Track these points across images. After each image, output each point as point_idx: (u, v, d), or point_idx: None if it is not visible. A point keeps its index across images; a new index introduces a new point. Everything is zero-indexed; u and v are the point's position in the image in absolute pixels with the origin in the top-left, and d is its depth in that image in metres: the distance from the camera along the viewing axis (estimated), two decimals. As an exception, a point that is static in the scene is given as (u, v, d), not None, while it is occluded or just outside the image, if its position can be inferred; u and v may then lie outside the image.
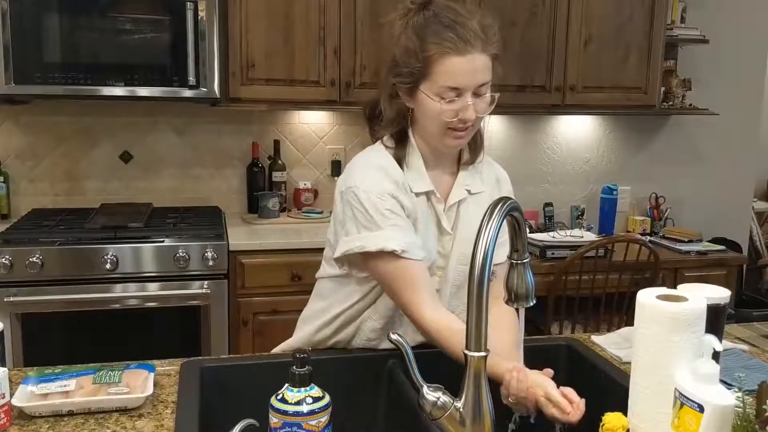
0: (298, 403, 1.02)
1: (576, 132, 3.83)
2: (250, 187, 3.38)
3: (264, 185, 3.38)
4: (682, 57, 3.78)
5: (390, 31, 1.50)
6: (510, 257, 1.30)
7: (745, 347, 1.69)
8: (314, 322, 1.64)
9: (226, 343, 2.79)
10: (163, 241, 2.72)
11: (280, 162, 3.39)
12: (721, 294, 1.33)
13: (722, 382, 1.39)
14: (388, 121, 1.52)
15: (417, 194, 1.52)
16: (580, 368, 1.59)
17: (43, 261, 2.58)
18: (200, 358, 1.53)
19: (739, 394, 1.02)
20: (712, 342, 0.95)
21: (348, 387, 1.47)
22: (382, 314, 1.56)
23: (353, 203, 1.46)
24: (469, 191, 1.58)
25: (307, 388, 1.03)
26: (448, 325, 1.41)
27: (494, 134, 3.65)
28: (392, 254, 1.42)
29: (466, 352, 1.08)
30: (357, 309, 1.58)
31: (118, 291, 2.66)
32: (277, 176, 3.38)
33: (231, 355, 1.52)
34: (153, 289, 2.69)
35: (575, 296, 3.07)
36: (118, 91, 2.80)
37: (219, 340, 2.78)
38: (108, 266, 2.62)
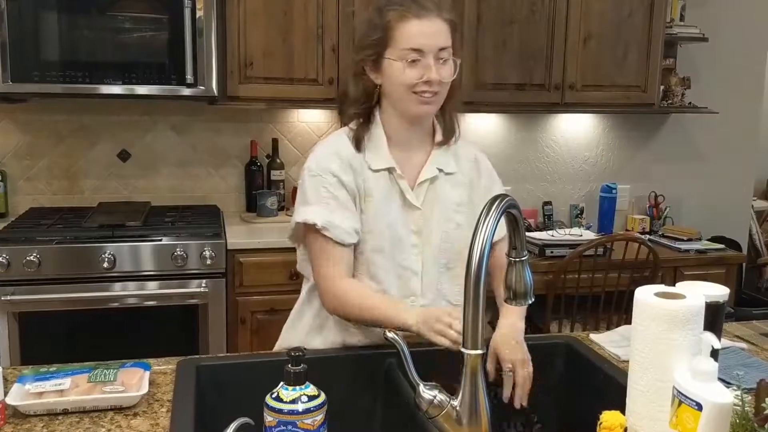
0: (293, 401, 1.01)
1: (575, 130, 3.81)
2: (248, 185, 3.38)
3: (262, 184, 3.37)
4: (682, 55, 3.76)
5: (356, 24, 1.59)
6: (508, 255, 1.29)
7: (744, 345, 1.68)
8: (294, 330, 1.69)
9: (224, 341, 2.79)
10: (161, 240, 2.72)
11: (278, 161, 3.38)
12: (719, 292, 1.33)
13: (721, 380, 1.39)
14: (354, 99, 1.59)
15: (375, 170, 1.58)
16: (579, 367, 1.58)
17: (41, 260, 2.57)
18: (197, 356, 1.52)
19: (738, 393, 1.02)
20: (711, 340, 0.94)
21: (345, 385, 1.46)
22: None
23: (301, 183, 1.58)
24: (441, 170, 1.63)
25: (303, 387, 1.02)
26: (359, 290, 1.53)
27: (493, 133, 3.64)
28: (315, 229, 1.51)
29: (463, 350, 1.08)
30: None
31: (116, 290, 2.66)
32: (275, 175, 3.37)
33: (227, 354, 1.52)
34: (151, 287, 2.68)
35: (574, 295, 3.06)
36: (116, 89, 2.79)
37: (217, 338, 2.77)
38: (106, 265, 2.61)
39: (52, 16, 2.72)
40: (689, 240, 3.49)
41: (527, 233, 3.29)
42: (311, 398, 1.02)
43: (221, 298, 2.76)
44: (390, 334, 1.10)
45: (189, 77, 2.82)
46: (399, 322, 1.41)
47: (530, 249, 3.28)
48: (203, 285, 2.71)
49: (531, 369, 1.47)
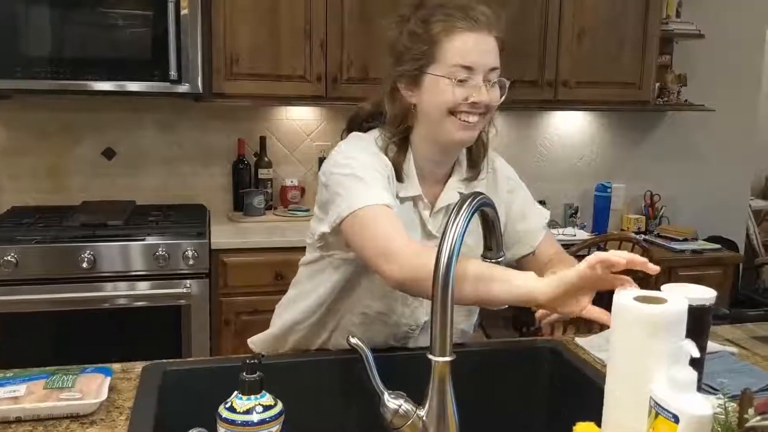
0: (247, 411, 0.95)
1: (569, 128, 3.76)
2: (235, 184, 3.32)
3: (250, 182, 3.31)
4: (678, 52, 3.72)
5: (386, 39, 1.44)
6: (483, 255, 1.24)
7: (734, 349, 1.62)
8: (290, 312, 1.58)
9: (207, 343, 2.73)
10: (143, 240, 2.66)
11: (266, 159, 3.32)
12: (706, 294, 1.27)
13: (707, 386, 1.34)
14: (393, 118, 1.43)
15: (402, 199, 1.44)
16: (564, 372, 1.52)
17: (18, 260, 2.52)
18: (164, 360, 1.46)
19: (722, 401, 0.96)
20: (689, 348, 0.88)
21: (318, 390, 1.40)
22: (358, 310, 1.50)
23: (339, 172, 1.36)
24: (461, 194, 1.47)
25: (258, 396, 0.96)
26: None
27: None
28: (373, 211, 1.29)
29: (430, 356, 1.02)
30: (332, 298, 1.50)
31: (96, 291, 2.60)
32: (263, 173, 3.31)
33: (196, 358, 1.45)
34: (132, 288, 2.63)
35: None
36: (99, 85, 2.75)
37: (201, 340, 2.72)
38: (85, 265, 2.56)
39: (35, 11, 2.67)
40: (685, 240, 3.46)
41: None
42: (267, 408, 0.96)
43: (205, 299, 2.71)
44: (353, 340, 1.04)
45: (173, 74, 2.76)
46: (525, 289, 1.15)
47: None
48: (186, 286, 2.65)
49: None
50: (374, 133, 1.45)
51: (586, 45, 3.29)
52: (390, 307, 1.46)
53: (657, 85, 3.52)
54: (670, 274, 3.20)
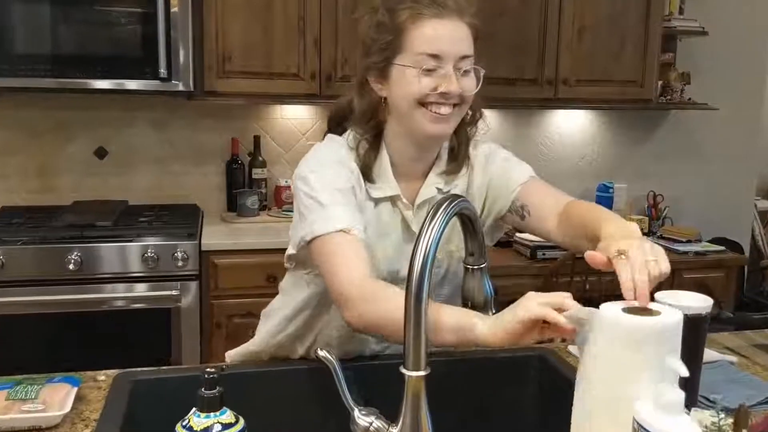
0: (205, 430, 0.89)
1: (570, 127, 3.70)
2: (229, 184, 3.27)
3: (244, 182, 3.26)
4: (681, 50, 3.65)
5: (359, 29, 1.37)
6: (465, 262, 1.18)
7: (734, 358, 1.55)
8: (271, 321, 1.52)
9: (198, 347, 2.68)
10: (131, 241, 2.61)
11: (260, 158, 3.27)
12: (702, 303, 1.21)
13: (703, 398, 1.27)
14: (361, 114, 1.36)
15: (378, 200, 1.37)
16: (552, 382, 1.46)
17: (4, 261, 2.47)
18: (137, 369, 1.40)
19: (716, 419, 0.90)
20: (676, 367, 0.81)
21: (289, 402, 1.35)
22: (338, 322, 1.43)
23: (300, 191, 1.32)
24: (439, 189, 1.41)
25: (217, 414, 0.91)
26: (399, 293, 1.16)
27: (482, 129, 3.50)
28: (335, 234, 1.24)
29: (404, 371, 0.96)
30: (310, 310, 1.44)
31: (83, 293, 2.54)
32: (257, 173, 3.26)
33: (171, 366, 1.39)
34: (120, 291, 2.58)
35: (567, 298, 2.94)
36: (88, 83, 2.70)
37: (191, 344, 2.67)
38: (72, 267, 2.51)
39: (23, 8, 2.62)
40: (688, 241, 3.38)
41: (518, 234, 3.18)
42: (226, 426, 0.90)
43: (195, 301, 2.65)
44: (321, 353, 0.98)
45: (163, 71, 2.71)
46: (473, 336, 1.08)
47: (521, 251, 3.21)
48: (176, 288, 2.60)
49: (663, 264, 1.04)
50: (349, 134, 1.39)
51: (586, 42, 3.22)
52: None
53: (660, 83, 3.45)
54: (673, 277, 3.09)
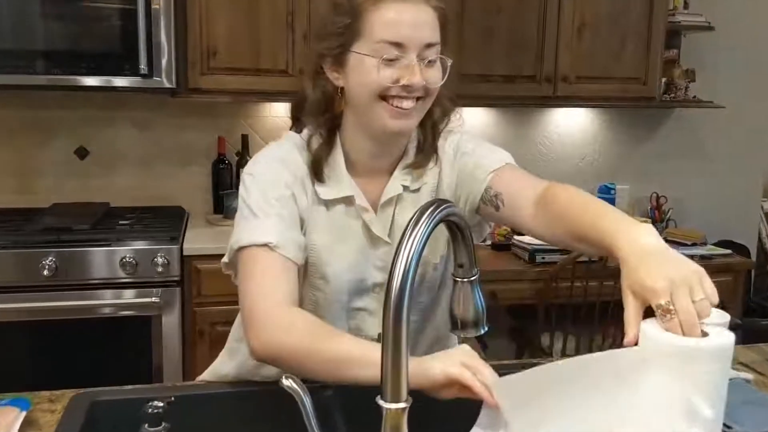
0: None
1: (570, 126, 3.59)
2: (215, 185, 3.14)
3: (231, 183, 3.14)
4: (686, 46, 3.54)
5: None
6: (453, 274, 1.05)
7: (750, 375, 1.43)
8: (233, 333, 1.44)
9: (179, 356, 2.56)
10: (109, 245, 2.49)
11: (248, 158, 3.14)
12: (719, 319, 1.08)
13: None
14: (314, 105, 1.23)
15: (331, 202, 1.25)
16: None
17: (-27, 267, 2.35)
18: (95, 389, 1.27)
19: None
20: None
21: (273, 424, 1.22)
22: None
23: (241, 194, 1.24)
24: (406, 186, 1.28)
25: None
26: (318, 325, 1.12)
27: (479, 128, 3.38)
28: (261, 248, 1.15)
29: (381, 402, 0.84)
30: None
31: (57, 300, 2.42)
32: (245, 174, 3.13)
33: (135, 386, 1.26)
34: (97, 298, 2.46)
35: (567, 304, 2.83)
36: (65, 79, 2.58)
37: (172, 353, 2.55)
38: (46, 272, 2.39)
39: (-5, 2, 2.50)
40: (693, 244, 3.31)
41: (516, 237, 3.06)
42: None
43: (175, 308, 2.53)
44: (286, 381, 0.86)
45: (143, 67, 2.59)
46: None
47: (520, 254, 3.08)
48: (155, 295, 2.48)
49: (714, 299, 0.90)
50: (303, 134, 1.27)
51: (586, 37, 3.11)
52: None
53: (663, 80, 3.34)
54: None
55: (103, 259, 2.47)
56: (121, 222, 2.73)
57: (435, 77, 1.18)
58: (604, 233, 1.01)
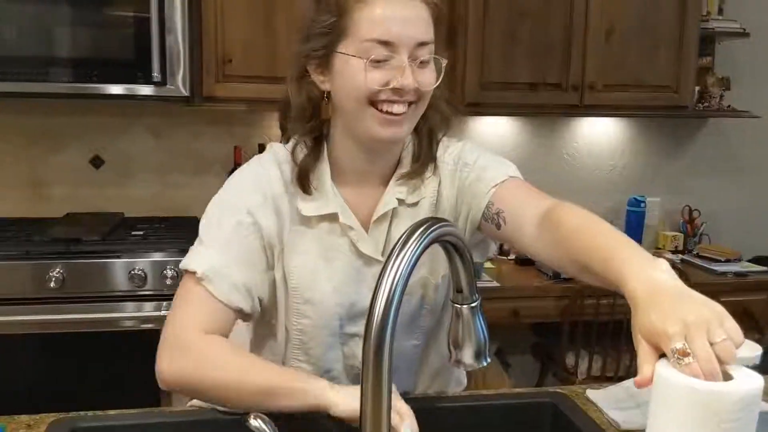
0: None
1: (598, 136, 3.48)
2: (232, 196, 3.08)
3: (247, 194, 3.07)
4: (720, 53, 3.42)
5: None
6: (452, 300, 0.96)
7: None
8: None
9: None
10: (119, 257, 2.43)
11: (264, 168, 3.08)
12: (749, 353, 0.97)
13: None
14: (299, 111, 1.15)
15: (315, 219, 1.16)
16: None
17: (-19, 278, 2.31)
18: (76, 414, 1.21)
19: None
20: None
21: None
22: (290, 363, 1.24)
23: (203, 216, 1.18)
24: (401, 200, 1.18)
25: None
26: (235, 353, 1.09)
27: (502, 138, 3.30)
28: (193, 275, 1.10)
29: (360, 444, 0.74)
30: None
31: (63, 313, 2.36)
32: (261, 184, 3.07)
33: (118, 411, 1.19)
34: (104, 311, 2.39)
35: (593, 322, 2.72)
36: (78, 88, 2.53)
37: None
38: (53, 284, 2.33)
39: (8, 9, 2.47)
40: (728, 261, 3.19)
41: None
42: None
43: (185, 322, 2.46)
44: (255, 422, 0.77)
45: (156, 75, 2.54)
46: (316, 401, 0.98)
47: (544, 269, 2.97)
48: (163, 308, 2.41)
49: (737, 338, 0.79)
50: (288, 145, 1.20)
51: (615, 44, 2.99)
52: (322, 356, 1.20)
53: (696, 88, 3.23)
54: (710, 300, 2.89)
55: (111, 271, 2.41)
56: (133, 233, 2.68)
57: (428, 79, 1.09)
58: (611, 266, 0.90)
